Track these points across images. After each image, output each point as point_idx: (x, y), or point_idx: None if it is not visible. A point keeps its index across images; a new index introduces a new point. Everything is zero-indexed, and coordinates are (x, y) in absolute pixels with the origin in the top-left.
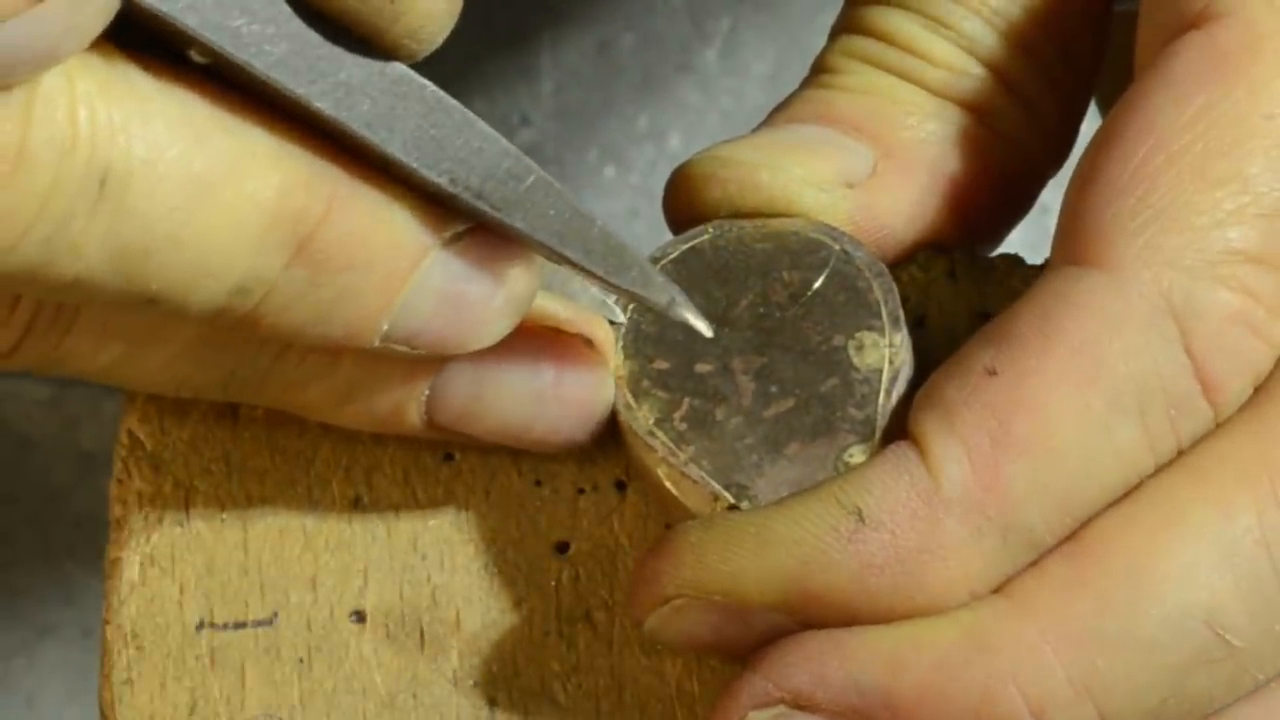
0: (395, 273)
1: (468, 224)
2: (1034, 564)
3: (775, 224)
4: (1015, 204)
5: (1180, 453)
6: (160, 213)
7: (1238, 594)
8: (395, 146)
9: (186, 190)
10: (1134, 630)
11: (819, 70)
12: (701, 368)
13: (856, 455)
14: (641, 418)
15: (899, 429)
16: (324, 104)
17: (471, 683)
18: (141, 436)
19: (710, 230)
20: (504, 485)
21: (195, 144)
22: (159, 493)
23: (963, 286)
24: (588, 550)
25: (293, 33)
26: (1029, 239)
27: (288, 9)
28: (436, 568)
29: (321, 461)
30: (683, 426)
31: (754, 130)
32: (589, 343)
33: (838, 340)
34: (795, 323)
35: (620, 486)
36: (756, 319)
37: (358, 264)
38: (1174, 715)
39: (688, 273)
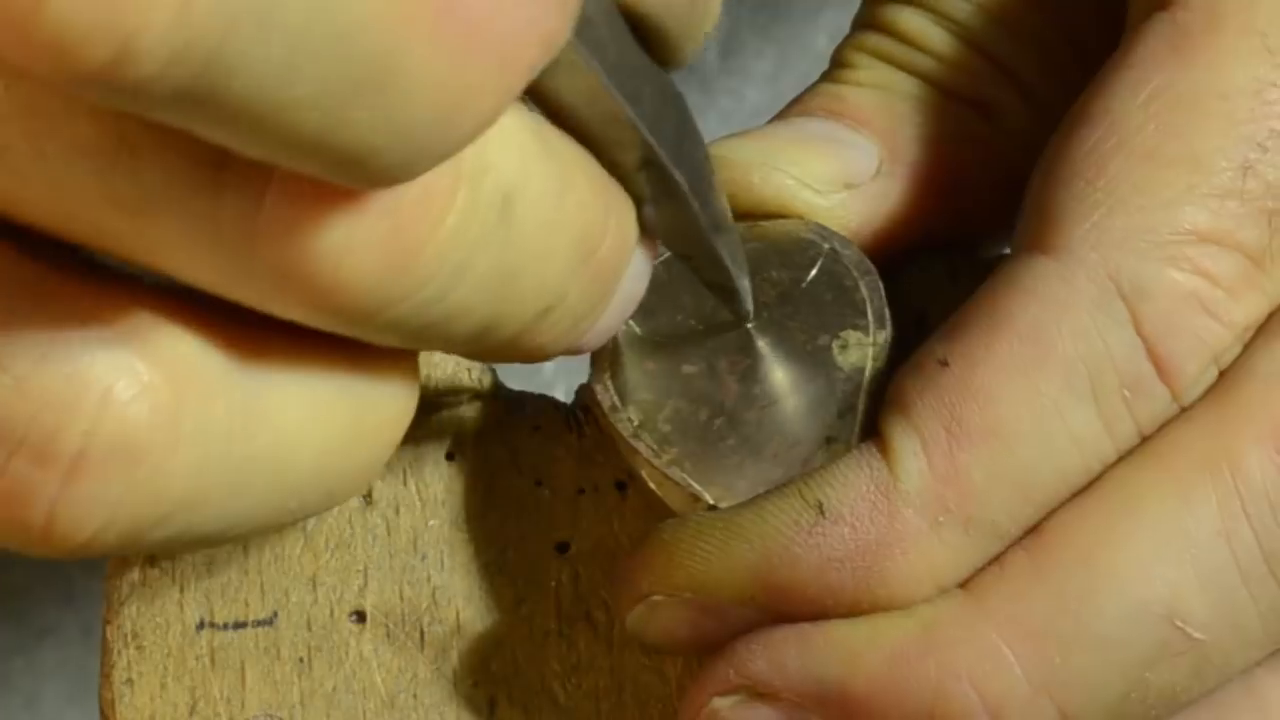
0: (617, 276)
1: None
2: (997, 557)
3: (767, 224)
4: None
5: (1143, 439)
6: (528, 232)
7: (1198, 586)
8: (664, 152)
9: (546, 207)
10: (1091, 625)
11: (834, 65)
12: (688, 369)
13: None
14: (626, 420)
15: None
16: (632, 110)
17: (471, 683)
18: None
19: None
20: (504, 485)
21: (548, 160)
22: None
23: (963, 287)
24: (588, 550)
25: (619, 37)
26: None
27: (619, 18)
28: (436, 568)
29: None
30: (666, 428)
31: (767, 122)
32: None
33: (823, 340)
34: (783, 322)
35: (620, 486)
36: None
37: (616, 274)
38: (1138, 711)
39: (679, 273)
